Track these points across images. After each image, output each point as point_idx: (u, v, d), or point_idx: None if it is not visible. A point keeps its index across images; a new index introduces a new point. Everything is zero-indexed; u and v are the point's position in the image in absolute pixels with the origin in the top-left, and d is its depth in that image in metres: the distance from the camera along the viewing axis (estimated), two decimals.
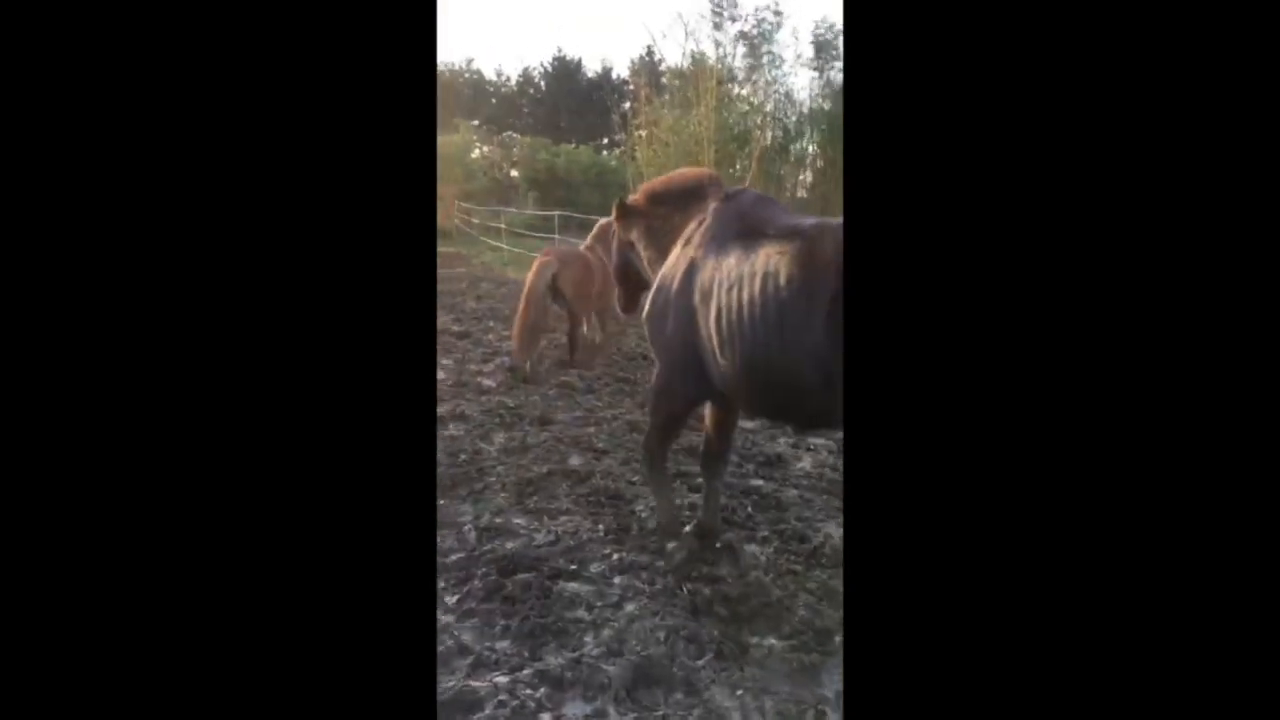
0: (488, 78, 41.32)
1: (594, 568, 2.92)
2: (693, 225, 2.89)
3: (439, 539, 3.15)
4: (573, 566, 2.91)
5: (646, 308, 2.97)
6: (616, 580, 2.83)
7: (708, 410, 3.15)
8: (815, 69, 20.45)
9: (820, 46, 20.52)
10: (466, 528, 3.25)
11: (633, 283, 3.51)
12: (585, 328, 6.73)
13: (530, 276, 6.17)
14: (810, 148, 20.07)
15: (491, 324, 8.41)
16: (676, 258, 2.86)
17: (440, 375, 5.98)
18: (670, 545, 2.98)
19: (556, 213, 14.62)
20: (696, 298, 2.67)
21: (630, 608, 2.62)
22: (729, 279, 2.52)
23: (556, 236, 13.43)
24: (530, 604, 2.61)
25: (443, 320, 8.38)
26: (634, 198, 3.30)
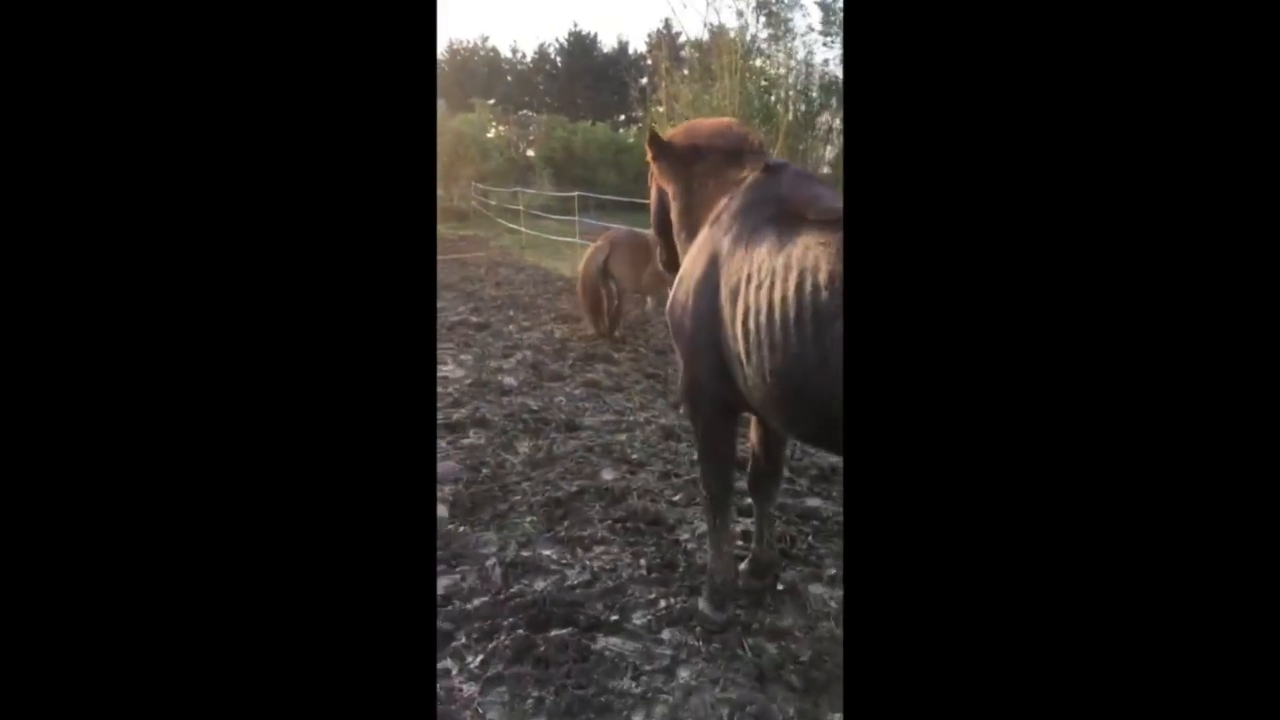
0: (503, 55, 40.65)
1: (638, 617, 2.53)
2: (724, 201, 2.39)
3: (459, 577, 2.77)
4: (614, 617, 2.51)
5: (670, 299, 2.48)
6: (665, 634, 2.43)
7: (752, 422, 2.69)
8: (832, 37, 19.65)
9: (837, 14, 19.69)
10: (491, 562, 2.87)
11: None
12: (633, 306, 7.09)
13: (583, 261, 6.65)
14: (836, 121, 19.37)
15: (512, 313, 8.02)
16: (702, 241, 2.36)
17: (460, 373, 5.61)
18: (703, 606, 2.53)
19: (576, 193, 14.07)
20: (723, 293, 2.18)
21: (684, 674, 2.23)
22: (759, 274, 2.04)
23: (576, 218, 12.94)
24: (567, 668, 2.22)
25: (461, 310, 8.01)
26: (672, 133, 2.75)
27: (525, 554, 2.94)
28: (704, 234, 2.35)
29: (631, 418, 4.69)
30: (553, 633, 2.39)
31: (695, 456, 4.04)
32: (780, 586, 2.70)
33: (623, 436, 4.34)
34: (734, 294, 2.12)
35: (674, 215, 2.68)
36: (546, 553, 2.98)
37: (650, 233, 5.50)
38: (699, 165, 2.54)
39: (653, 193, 2.93)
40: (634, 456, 4.02)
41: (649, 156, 2.77)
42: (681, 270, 2.41)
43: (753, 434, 2.68)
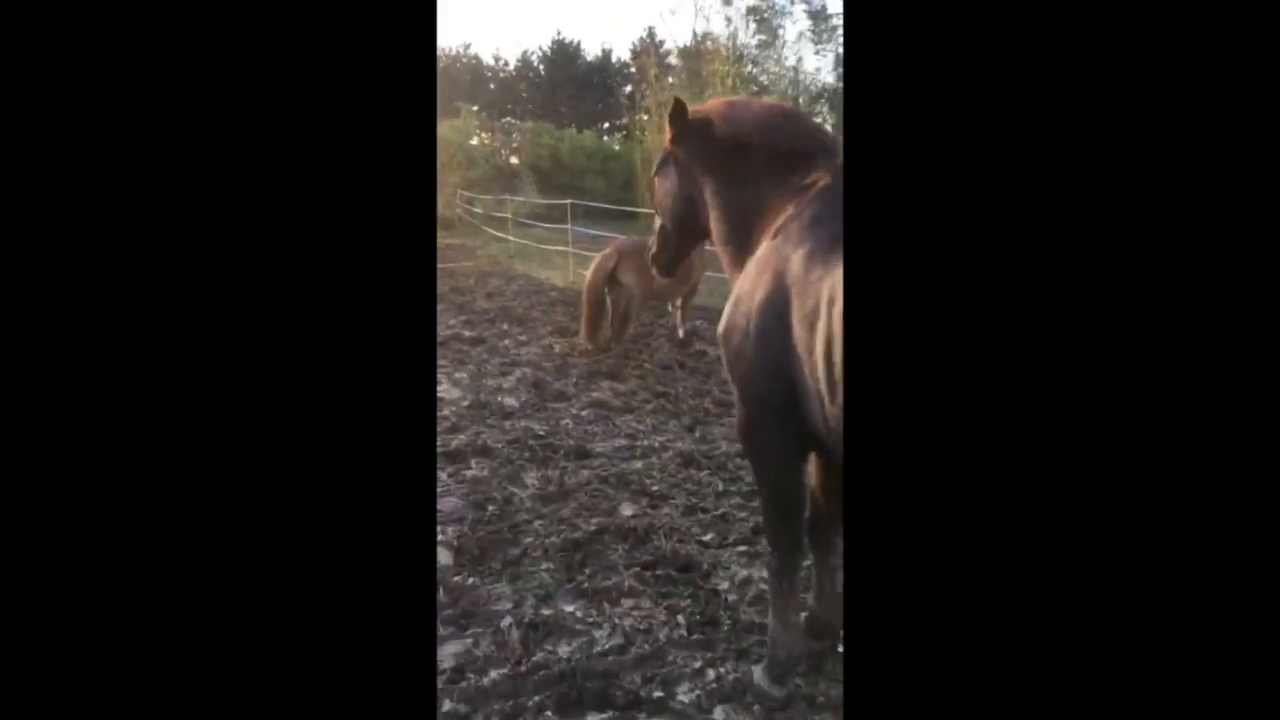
0: (485, 62, 40.25)
1: (684, 692, 2.18)
2: (789, 209, 1.99)
3: (471, 642, 2.42)
4: (657, 692, 2.16)
5: (723, 322, 2.08)
6: (719, 715, 2.09)
7: (814, 463, 2.34)
8: (823, 44, 19.55)
9: (828, 20, 19.58)
10: (506, 622, 2.51)
11: (686, 229, 2.46)
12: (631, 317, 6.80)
13: (591, 269, 6.50)
14: (827, 128, 19.24)
15: (506, 326, 7.65)
16: (763, 258, 1.97)
17: (456, 394, 5.24)
18: (760, 679, 2.16)
19: (568, 201, 13.73)
20: (794, 317, 1.83)
21: None
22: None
23: (568, 226, 12.58)
24: None
25: (452, 324, 7.63)
26: (704, 111, 2.30)
27: (545, 611, 2.59)
28: (765, 248, 2.00)
29: (645, 442, 4.35)
30: (589, 717, 2.04)
31: (721, 488, 3.72)
32: (842, 649, 2.36)
33: (638, 464, 3.99)
34: (811, 318, 1.77)
35: (714, 218, 2.27)
36: (569, 608, 2.63)
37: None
38: (746, 161, 2.15)
39: (666, 180, 2.43)
40: (654, 488, 3.68)
41: (668, 137, 2.36)
42: (737, 290, 2.06)
43: (814, 477, 2.33)
